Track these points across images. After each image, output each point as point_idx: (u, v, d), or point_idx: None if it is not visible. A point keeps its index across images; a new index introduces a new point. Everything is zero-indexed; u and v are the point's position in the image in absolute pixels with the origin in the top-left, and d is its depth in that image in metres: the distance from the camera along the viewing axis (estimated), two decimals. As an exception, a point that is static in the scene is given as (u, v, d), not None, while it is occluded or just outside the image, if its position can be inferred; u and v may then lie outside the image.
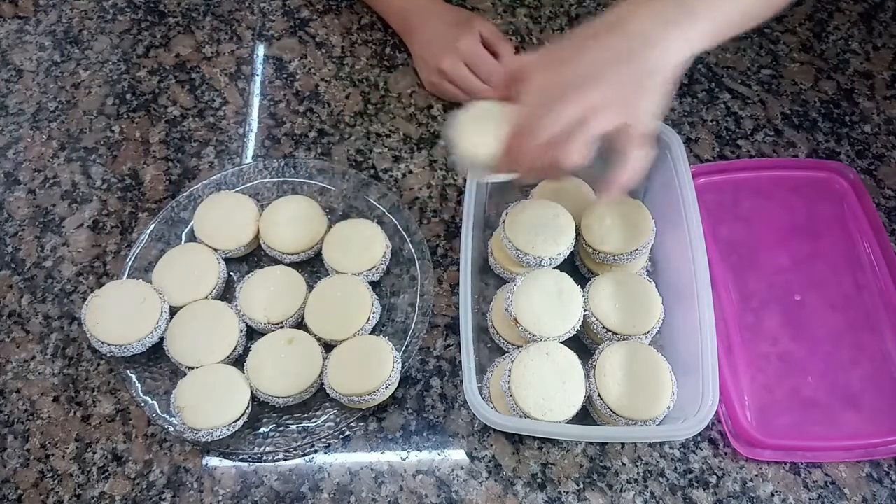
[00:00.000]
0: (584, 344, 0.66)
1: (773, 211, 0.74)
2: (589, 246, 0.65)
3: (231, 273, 0.70)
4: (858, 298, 0.69)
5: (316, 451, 0.63)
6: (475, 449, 0.63)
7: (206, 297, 0.66)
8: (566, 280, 0.63)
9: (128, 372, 0.64)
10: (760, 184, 0.75)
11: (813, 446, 0.62)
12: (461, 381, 0.61)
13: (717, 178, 0.74)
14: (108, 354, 0.64)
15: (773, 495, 0.61)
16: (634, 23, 0.51)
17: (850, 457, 0.62)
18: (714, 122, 0.79)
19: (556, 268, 0.65)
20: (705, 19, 0.52)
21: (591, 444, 0.63)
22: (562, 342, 0.61)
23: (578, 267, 0.69)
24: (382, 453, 0.63)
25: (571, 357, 0.60)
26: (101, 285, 0.69)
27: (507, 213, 0.65)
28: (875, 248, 0.71)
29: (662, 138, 0.66)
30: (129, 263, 0.69)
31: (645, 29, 0.51)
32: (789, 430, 0.63)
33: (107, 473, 0.62)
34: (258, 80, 0.82)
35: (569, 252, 0.65)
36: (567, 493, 0.61)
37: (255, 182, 0.74)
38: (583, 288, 0.63)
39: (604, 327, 0.62)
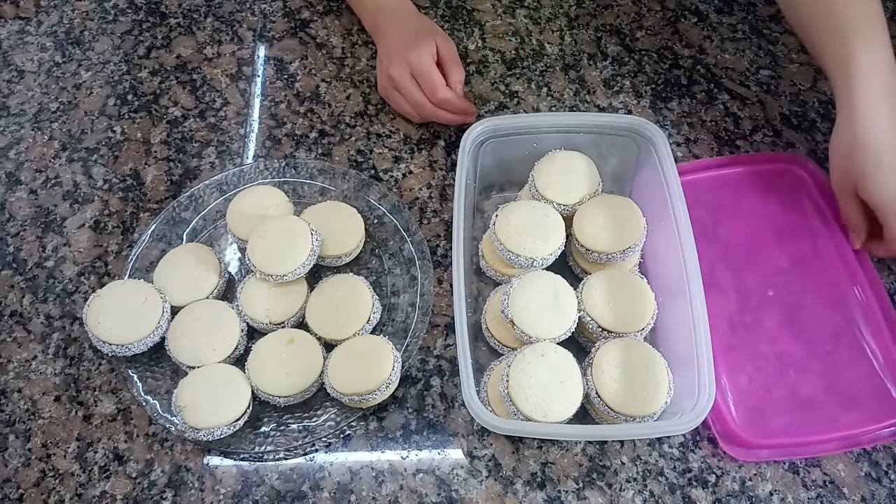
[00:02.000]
0: (579, 343, 0.66)
1: (736, 207, 0.73)
2: (582, 246, 0.65)
3: (232, 273, 0.71)
4: (829, 288, 0.69)
5: (317, 451, 0.63)
6: (475, 448, 0.63)
7: (208, 297, 0.67)
8: (561, 281, 0.63)
9: (129, 371, 0.65)
10: (723, 182, 0.75)
11: (800, 442, 0.62)
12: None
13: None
14: (110, 354, 0.64)
15: (771, 494, 0.61)
16: None
17: (832, 448, 0.62)
18: (713, 123, 0.79)
19: (549, 267, 0.65)
20: None
21: (590, 443, 0.63)
22: (557, 342, 0.62)
23: (572, 267, 0.69)
24: (383, 452, 0.63)
25: (567, 356, 0.60)
26: (102, 285, 0.70)
27: (496, 216, 0.65)
28: (838, 239, 0.71)
29: (647, 135, 0.67)
30: (131, 263, 0.69)
31: None
32: (776, 428, 0.63)
33: (108, 473, 0.62)
34: (259, 80, 0.83)
35: (560, 252, 0.65)
36: (567, 492, 0.61)
37: (255, 183, 0.74)
38: (576, 288, 0.64)
39: (599, 326, 0.62)
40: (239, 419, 0.61)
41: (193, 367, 0.63)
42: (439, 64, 0.75)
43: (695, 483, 0.62)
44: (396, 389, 0.64)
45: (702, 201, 0.73)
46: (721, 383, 0.64)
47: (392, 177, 0.76)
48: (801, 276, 0.70)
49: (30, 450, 0.63)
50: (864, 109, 0.63)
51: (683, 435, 0.63)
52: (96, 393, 0.65)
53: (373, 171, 0.76)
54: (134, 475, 0.62)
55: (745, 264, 0.71)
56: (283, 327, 0.66)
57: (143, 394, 0.64)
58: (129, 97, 0.82)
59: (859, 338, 0.67)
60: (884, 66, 0.63)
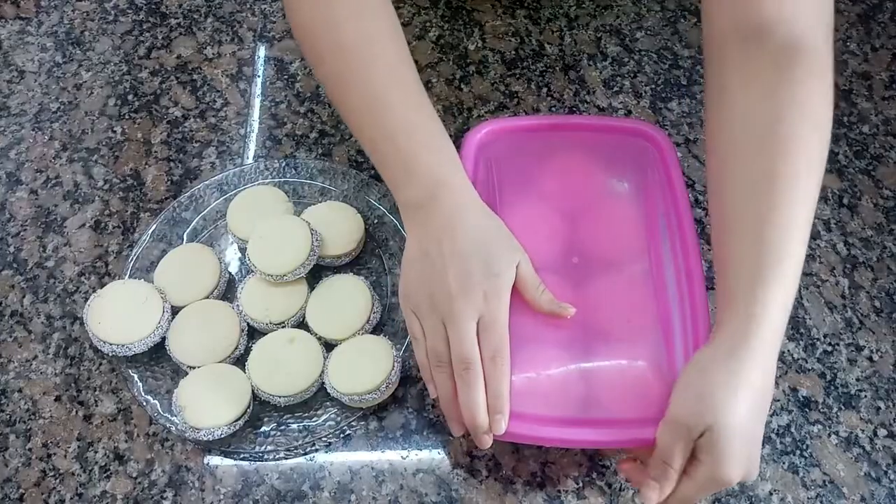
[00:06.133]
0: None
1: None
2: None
3: (232, 273, 0.71)
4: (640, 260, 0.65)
5: (317, 450, 0.63)
6: (475, 448, 0.63)
7: (208, 297, 0.67)
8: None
9: (129, 371, 0.65)
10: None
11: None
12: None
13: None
14: (110, 354, 0.64)
15: (771, 494, 0.61)
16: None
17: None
18: (713, 123, 0.80)
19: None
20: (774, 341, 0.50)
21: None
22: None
23: None
24: (383, 452, 0.63)
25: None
26: (102, 285, 0.70)
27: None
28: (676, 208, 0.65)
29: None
30: (131, 263, 0.69)
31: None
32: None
33: (108, 472, 0.62)
34: (259, 81, 0.83)
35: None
36: (566, 491, 0.61)
37: (256, 183, 0.74)
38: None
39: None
40: (239, 419, 0.61)
41: (194, 367, 0.63)
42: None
43: None
44: (396, 389, 0.64)
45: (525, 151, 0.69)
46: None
47: (392, 177, 0.76)
48: (608, 247, 0.65)
49: (30, 449, 0.63)
50: (753, 362, 0.50)
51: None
52: (97, 393, 0.66)
53: (373, 171, 0.76)
54: (134, 475, 0.62)
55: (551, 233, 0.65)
56: (283, 327, 0.66)
57: (143, 394, 0.64)
58: (130, 97, 0.82)
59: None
60: (778, 323, 0.51)
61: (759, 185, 0.53)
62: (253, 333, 0.67)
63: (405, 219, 0.59)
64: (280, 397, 0.62)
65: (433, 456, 0.63)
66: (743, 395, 0.49)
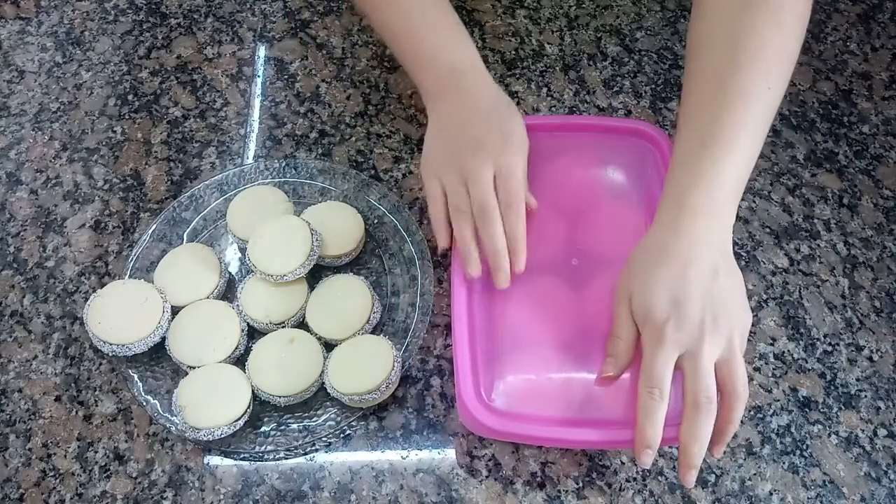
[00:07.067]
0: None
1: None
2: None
3: (232, 273, 0.71)
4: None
5: (317, 450, 0.63)
6: (475, 448, 0.63)
7: (208, 297, 0.67)
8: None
9: (129, 371, 0.65)
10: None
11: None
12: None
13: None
14: (110, 354, 0.64)
15: (771, 494, 0.61)
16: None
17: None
18: (713, 123, 0.79)
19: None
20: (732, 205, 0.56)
21: (590, 443, 0.63)
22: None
23: None
24: (383, 452, 0.63)
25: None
26: (102, 285, 0.70)
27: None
28: None
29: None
30: (131, 263, 0.69)
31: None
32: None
33: (108, 472, 0.62)
34: (259, 81, 0.83)
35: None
36: (566, 491, 0.61)
37: (256, 183, 0.74)
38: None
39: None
40: (239, 419, 0.61)
41: (194, 367, 0.63)
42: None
43: (694, 483, 0.62)
44: (396, 389, 0.64)
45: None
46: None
47: (392, 177, 0.76)
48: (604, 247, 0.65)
49: (30, 449, 0.63)
50: (679, 241, 0.55)
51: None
52: (97, 393, 0.66)
53: (373, 171, 0.76)
54: (134, 475, 0.62)
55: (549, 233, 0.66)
56: (283, 327, 0.66)
57: (143, 394, 0.64)
58: (130, 97, 0.82)
59: None
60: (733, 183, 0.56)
61: (713, 87, 0.57)
62: (253, 333, 0.67)
63: (427, 106, 0.66)
64: (280, 397, 0.62)
65: (433, 456, 0.63)
66: (664, 262, 0.54)
